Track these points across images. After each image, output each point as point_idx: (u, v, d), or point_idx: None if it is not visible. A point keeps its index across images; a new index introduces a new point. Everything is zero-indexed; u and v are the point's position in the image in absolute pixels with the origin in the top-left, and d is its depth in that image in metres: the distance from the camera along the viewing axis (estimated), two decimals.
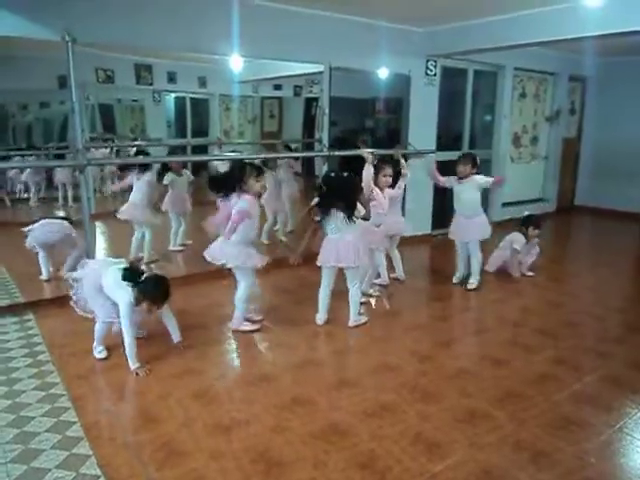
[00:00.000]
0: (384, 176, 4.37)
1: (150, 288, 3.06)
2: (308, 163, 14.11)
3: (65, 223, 4.66)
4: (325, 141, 5.32)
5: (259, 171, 3.57)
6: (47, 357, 3.27)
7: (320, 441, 2.39)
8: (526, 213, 5.18)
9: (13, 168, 6.31)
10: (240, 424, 2.53)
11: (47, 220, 4.70)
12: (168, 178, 5.59)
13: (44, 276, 4.62)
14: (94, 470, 2.20)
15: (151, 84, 9.85)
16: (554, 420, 2.58)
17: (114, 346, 3.37)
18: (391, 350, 3.42)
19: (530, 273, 5.03)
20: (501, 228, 5.50)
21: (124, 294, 3.01)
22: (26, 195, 9.48)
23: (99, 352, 3.24)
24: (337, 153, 5.28)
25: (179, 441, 2.40)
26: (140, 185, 5.12)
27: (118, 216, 5.12)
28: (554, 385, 2.93)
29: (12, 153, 10.73)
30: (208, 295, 4.45)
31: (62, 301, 4.13)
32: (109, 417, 2.60)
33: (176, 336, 3.35)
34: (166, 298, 3.15)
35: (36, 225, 4.59)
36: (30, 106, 11.86)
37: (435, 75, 6.28)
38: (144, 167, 5.17)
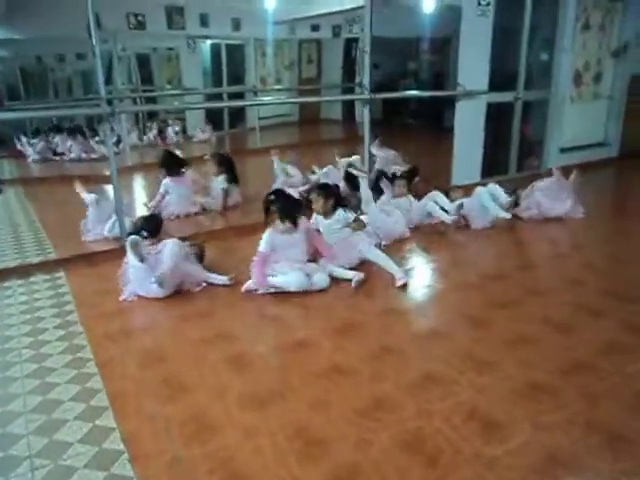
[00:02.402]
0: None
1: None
2: (348, 109, 13.58)
3: None
4: (367, 83, 4.88)
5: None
6: (76, 317, 3.14)
7: (362, 418, 2.15)
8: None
9: (38, 117, 6.14)
10: (276, 396, 2.31)
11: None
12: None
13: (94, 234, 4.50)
14: (117, 445, 2.03)
15: (183, 28, 9.46)
16: (630, 397, 2.26)
17: (143, 307, 3.23)
18: (437, 313, 3.12)
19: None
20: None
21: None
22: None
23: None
24: (380, 95, 4.84)
25: (210, 414, 2.21)
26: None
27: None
28: (626, 356, 2.58)
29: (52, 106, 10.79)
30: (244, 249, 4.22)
31: (93, 258, 4.02)
32: (136, 385, 2.43)
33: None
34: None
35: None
36: (67, 57, 11.74)
37: (489, 5, 5.63)
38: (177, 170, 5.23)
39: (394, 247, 4.10)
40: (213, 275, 3.51)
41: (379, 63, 10.52)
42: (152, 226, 4.43)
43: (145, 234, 4.37)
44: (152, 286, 3.22)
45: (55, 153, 9.88)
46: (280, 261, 3.37)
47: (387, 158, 6.47)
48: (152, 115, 13.06)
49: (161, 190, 5.18)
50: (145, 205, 5.30)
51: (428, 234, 4.50)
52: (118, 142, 10.19)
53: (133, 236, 3.26)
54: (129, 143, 10.37)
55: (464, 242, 4.43)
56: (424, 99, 11.63)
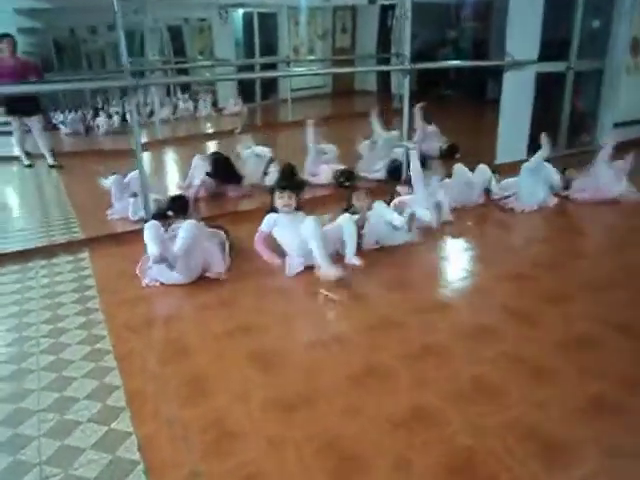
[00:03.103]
0: None
1: None
2: (383, 80, 13.08)
3: None
4: (407, 52, 4.52)
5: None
6: (97, 304, 2.98)
7: (401, 429, 1.92)
8: None
9: (54, 90, 5.98)
10: (304, 401, 2.10)
11: None
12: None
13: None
14: (133, 454, 1.86)
15: None
16: None
17: (165, 294, 3.05)
18: (481, 307, 2.85)
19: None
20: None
21: None
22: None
23: None
24: (420, 66, 4.48)
25: (232, 420, 2.01)
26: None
27: None
28: None
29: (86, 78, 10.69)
30: None
31: (120, 238, 3.87)
32: (155, 382, 2.25)
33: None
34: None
35: None
36: (99, 29, 11.59)
37: None
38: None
39: (439, 231, 3.81)
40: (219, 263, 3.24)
41: (416, 31, 9.95)
42: (178, 206, 4.25)
43: (171, 214, 4.20)
44: (172, 273, 3.03)
45: (88, 126, 9.83)
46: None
47: (425, 133, 6.12)
48: (185, 88, 12.89)
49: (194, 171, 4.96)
50: (179, 186, 5.09)
51: (470, 217, 4.18)
52: (150, 114, 10.08)
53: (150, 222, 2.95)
54: (161, 116, 10.24)
55: (510, 226, 4.10)
56: (464, 69, 11.07)
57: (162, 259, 2.91)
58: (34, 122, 6.44)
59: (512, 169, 4.71)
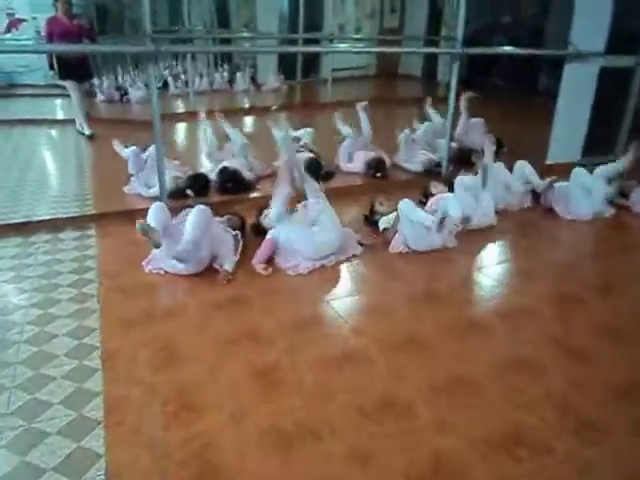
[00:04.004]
0: None
1: None
2: (429, 65, 12.49)
3: None
4: (459, 35, 4.08)
5: None
6: (94, 290, 2.73)
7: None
8: None
9: (74, 53, 5.70)
10: (307, 433, 1.79)
11: None
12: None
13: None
14: None
15: None
16: None
17: (169, 285, 2.78)
18: (522, 334, 2.46)
19: None
20: None
21: None
22: None
23: None
24: (473, 51, 4.04)
25: (222, 449, 1.72)
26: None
27: None
28: None
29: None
30: None
31: (131, 216, 3.60)
32: (139, 394, 1.97)
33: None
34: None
35: None
36: None
37: None
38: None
39: (479, 236, 3.44)
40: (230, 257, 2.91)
41: (468, 15, 9.37)
42: (199, 186, 4.00)
43: (190, 194, 3.94)
44: (176, 262, 2.75)
45: (123, 94, 9.65)
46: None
47: (468, 125, 5.67)
48: (225, 60, 12.59)
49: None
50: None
51: (514, 223, 3.76)
52: (186, 85, 9.82)
53: (141, 222, 2.59)
54: (197, 88, 9.97)
55: (557, 237, 3.64)
56: (516, 58, 10.43)
57: (157, 245, 2.64)
58: (83, 88, 6.22)
59: (564, 171, 4.26)
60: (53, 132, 7.03)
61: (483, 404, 1.95)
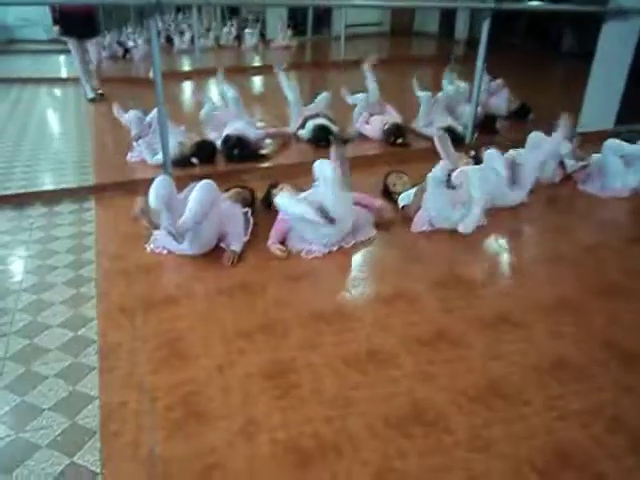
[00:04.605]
0: None
1: None
2: (447, 23, 11.89)
3: None
4: None
5: None
6: (92, 272, 2.51)
7: None
8: None
9: (77, 4, 5.32)
10: (327, 451, 1.58)
11: None
12: None
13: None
14: None
15: None
16: None
17: (173, 267, 2.56)
18: (566, 333, 2.23)
19: None
20: None
21: None
22: None
23: None
24: (508, 7, 3.66)
25: (228, 464, 1.52)
26: None
27: None
28: None
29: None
30: None
31: (132, 187, 3.37)
32: (139, 398, 1.77)
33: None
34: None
35: None
36: None
37: None
38: None
39: (509, 215, 3.17)
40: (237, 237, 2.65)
41: None
42: (204, 153, 3.75)
43: (195, 162, 3.69)
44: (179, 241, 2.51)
45: (126, 50, 9.29)
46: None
47: (491, 88, 5.32)
48: (232, 15, 12.07)
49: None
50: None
51: (546, 201, 3.48)
52: (192, 41, 9.38)
53: (140, 207, 2.33)
54: (203, 44, 9.54)
55: (592, 216, 3.35)
56: (540, 17, 9.90)
57: (156, 227, 2.41)
58: (92, 46, 5.83)
59: (596, 139, 3.94)
60: (54, 92, 6.72)
61: (522, 415, 1.73)
